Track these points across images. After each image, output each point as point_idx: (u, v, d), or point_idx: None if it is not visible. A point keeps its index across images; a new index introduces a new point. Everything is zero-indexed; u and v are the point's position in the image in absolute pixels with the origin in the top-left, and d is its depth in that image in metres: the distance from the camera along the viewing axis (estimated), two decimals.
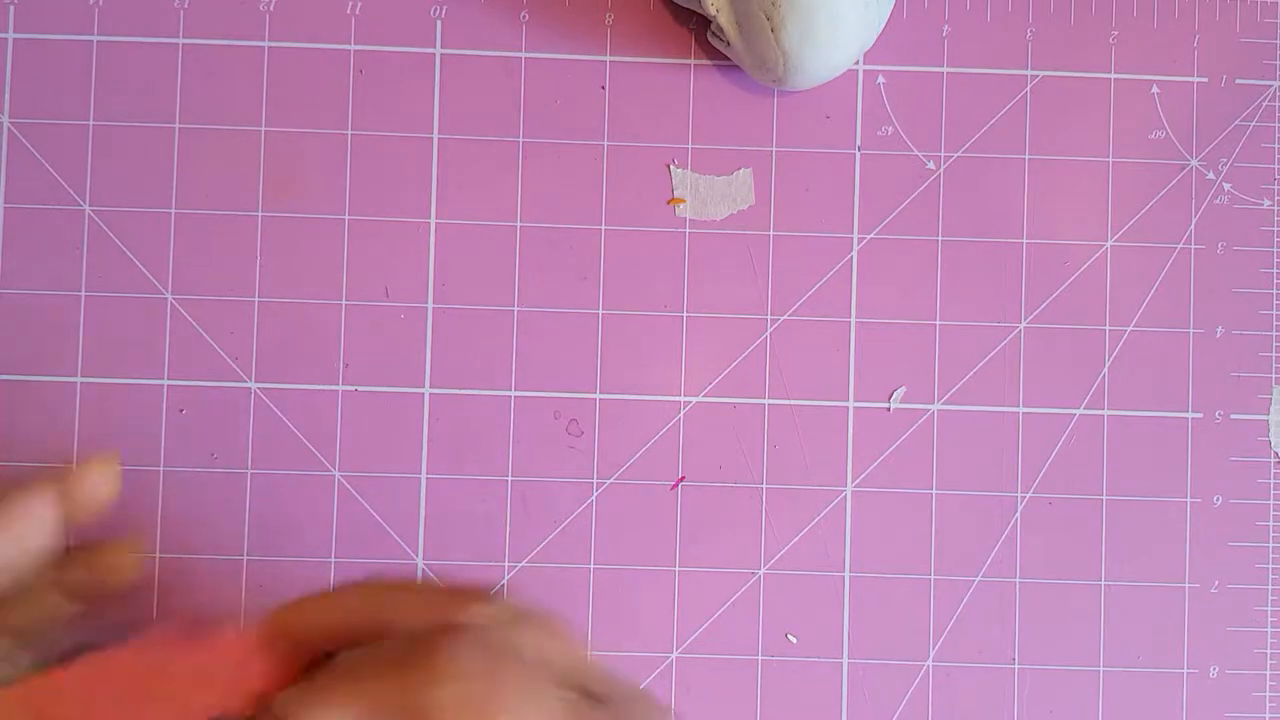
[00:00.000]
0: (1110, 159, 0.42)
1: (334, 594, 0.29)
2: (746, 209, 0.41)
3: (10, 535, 0.31)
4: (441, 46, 0.41)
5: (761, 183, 0.41)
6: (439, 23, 0.41)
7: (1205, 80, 0.42)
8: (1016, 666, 0.41)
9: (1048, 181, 0.42)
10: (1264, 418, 0.42)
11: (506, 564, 0.40)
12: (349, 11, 0.41)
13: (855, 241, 0.42)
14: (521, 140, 0.41)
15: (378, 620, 0.28)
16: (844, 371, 0.41)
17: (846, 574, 0.41)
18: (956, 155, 0.42)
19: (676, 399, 0.41)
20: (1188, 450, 0.42)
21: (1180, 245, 0.42)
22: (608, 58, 0.41)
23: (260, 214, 0.40)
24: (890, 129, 0.42)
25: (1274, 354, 0.42)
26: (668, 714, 0.29)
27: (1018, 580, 0.41)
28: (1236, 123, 0.42)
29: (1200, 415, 0.42)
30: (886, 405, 0.41)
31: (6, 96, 0.40)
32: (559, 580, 0.40)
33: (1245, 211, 0.42)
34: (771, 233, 0.41)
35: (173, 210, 0.40)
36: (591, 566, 0.40)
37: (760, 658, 0.41)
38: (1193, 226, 0.42)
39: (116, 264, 0.40)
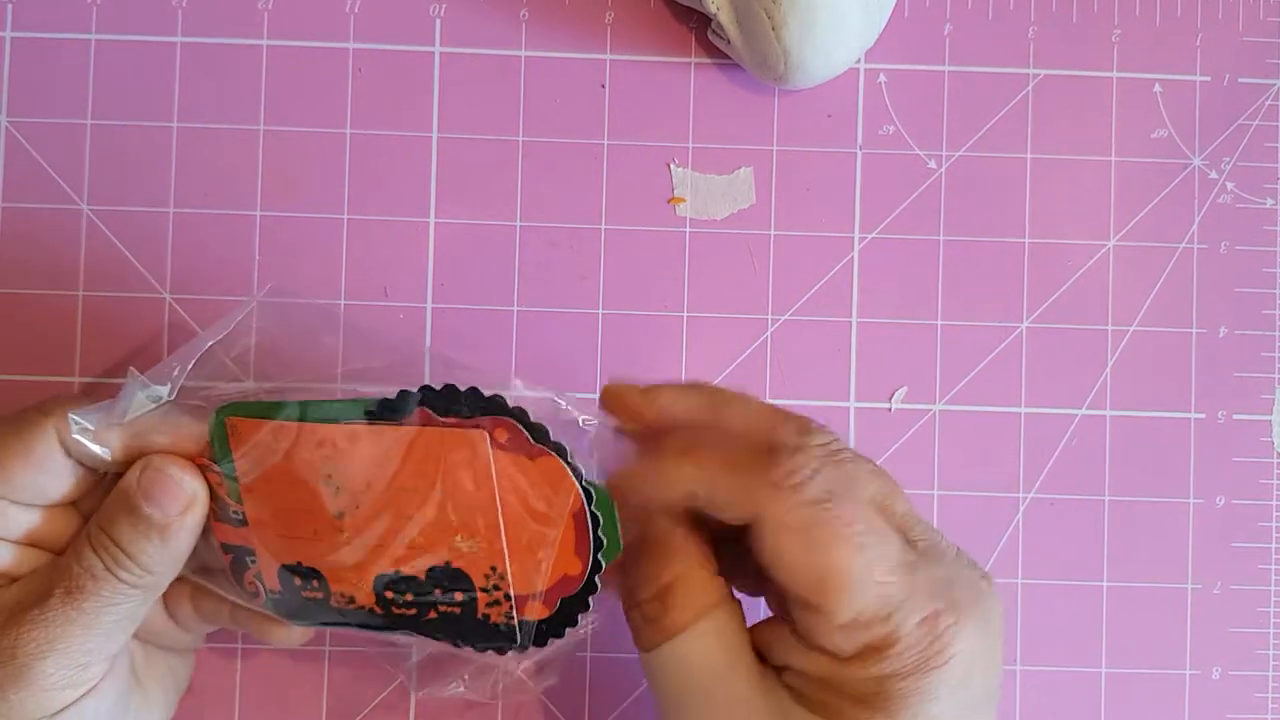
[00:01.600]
0: (1112, 158, 0.42)
1: (682, 386, 0.31)
2: (747, 208, 0.41)
3: None
4: (441, 45, 0.41)
5: (762, 182, 0.41)
6: (438, 22, 0.41)
7: (1208, 79, 0.42)
8: (1018, 667, 0.41)
9: (1049, 181, 0.42)
10: (1267, 418, 0.42)
11: None
12: (348, 10, 0.41)
13: (856, 241, 0.41)
14: (521, 140, 0.41)
15: (716, 419, 0.31)
16: (845, 371, 0.41)
17: None
18: (958, 154, 0.42)
19: None
20: (1190, 450, 0.42)
21: (1183, 245, 0.42)
22: (608, 56, 0.41)
23: (260, 214, 0.40)
24: (891, 128, 0.42)
25: (1277, 354, 0.42)
26: (988, 579, 0.30)
27: (1019, 580, 0.41)
28: (1239, 122, 0.42)
29: (1203, 415, 0.42)
30: (888, 405, 0.41)
31: (5, 96, 0.40)
32: None
33: (1248, 211, 0.42)
34: (772, 232, 0.41)
35: (171, 210, 0.40)
36: None
37: None
38: (1195, 226, 0.42)
39: (116, 264, 0.40)
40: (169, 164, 0.40)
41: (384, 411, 0.31)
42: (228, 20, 0.40)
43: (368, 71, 0.41)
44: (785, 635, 0.30)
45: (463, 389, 0.30)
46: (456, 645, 0.34)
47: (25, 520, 0.32)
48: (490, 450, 0.30)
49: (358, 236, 0.40)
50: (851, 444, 0.41)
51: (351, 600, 0.33)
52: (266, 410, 0.31)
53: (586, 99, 0.41)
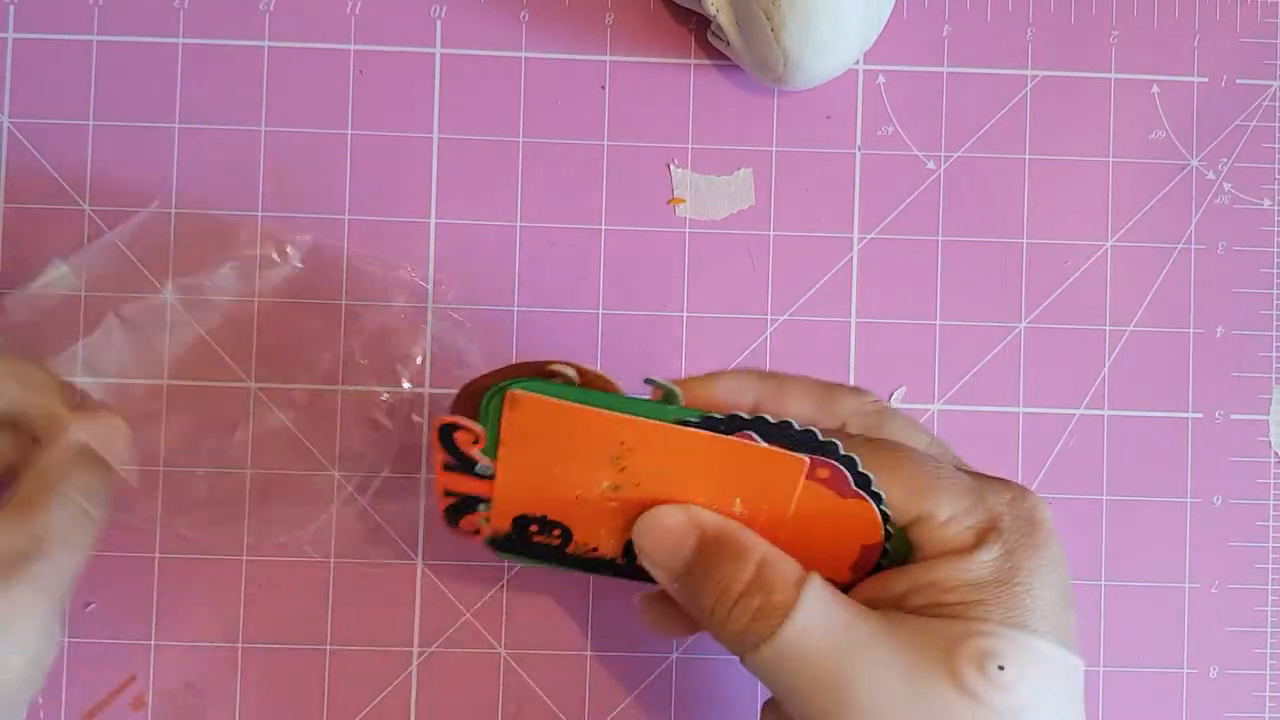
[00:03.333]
0: (1110, 159, 0.42)
1: (737, 372, 0.33)
2: (746, 209, 0.41)
3: None
4: (441, 46, 0.41)
5: (761, 182, 0.41)
6: (439, 23, 0.41)
7: (1206, 80, 0.42)
8: None
9: (1048, 181, 0.42)
10: (1264, 418, 0.42)
11: (507, 574, 0.40)
12: (349, 11, 0.41)
13: (855, 241, 0.42)
14: (521, 140, 0.41)
15: (773, 398, 0.33)
16: (844, 371, 0.41)
17: None
18: (956, 155, 0.42)
19: None
20: (1188, 450, 0.42)
21: (1180, 245, 0.42)
22: (608, 58, 0.41)
23: (260, 214, 0.40)
24: (890, 129, 0.42)
25: (1274, 354, 0.42)
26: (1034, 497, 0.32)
27: None
28: (1237, 122, 0.42)
29: (1200, 415, 0.42)
30: None
31: (6, 96, 0.40)
32: (559, 583, 0.40)
33: (1246, 211, 0.42)
34: (771, 233, 0.41)
35: (172, 210, 0.40)
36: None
37: None
38: (1193, 226, 0.42)
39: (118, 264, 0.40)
40: (170, 165, 0.40)
41: (706, 425, 0.31)
42: (229, 21, 0.41)
43: (369, 72, 0.41)
44: (895, 572, 0.31)
45: (799, 428, 0.31)
46: None
47: None
48: (803, 478, 0.31)
49: (358, 236, 0.41)
50: None
51: (594, 549, 0.34)
52: (557, 390, 0.31)
53: (586, 100, 0.41)
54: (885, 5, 0.40)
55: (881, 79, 0.42)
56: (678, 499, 0.32)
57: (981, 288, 0.42)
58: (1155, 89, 0.42)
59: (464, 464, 0.33)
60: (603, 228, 0.41)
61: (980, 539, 0.30)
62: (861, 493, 0.31)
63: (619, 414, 0.31)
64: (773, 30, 0.38)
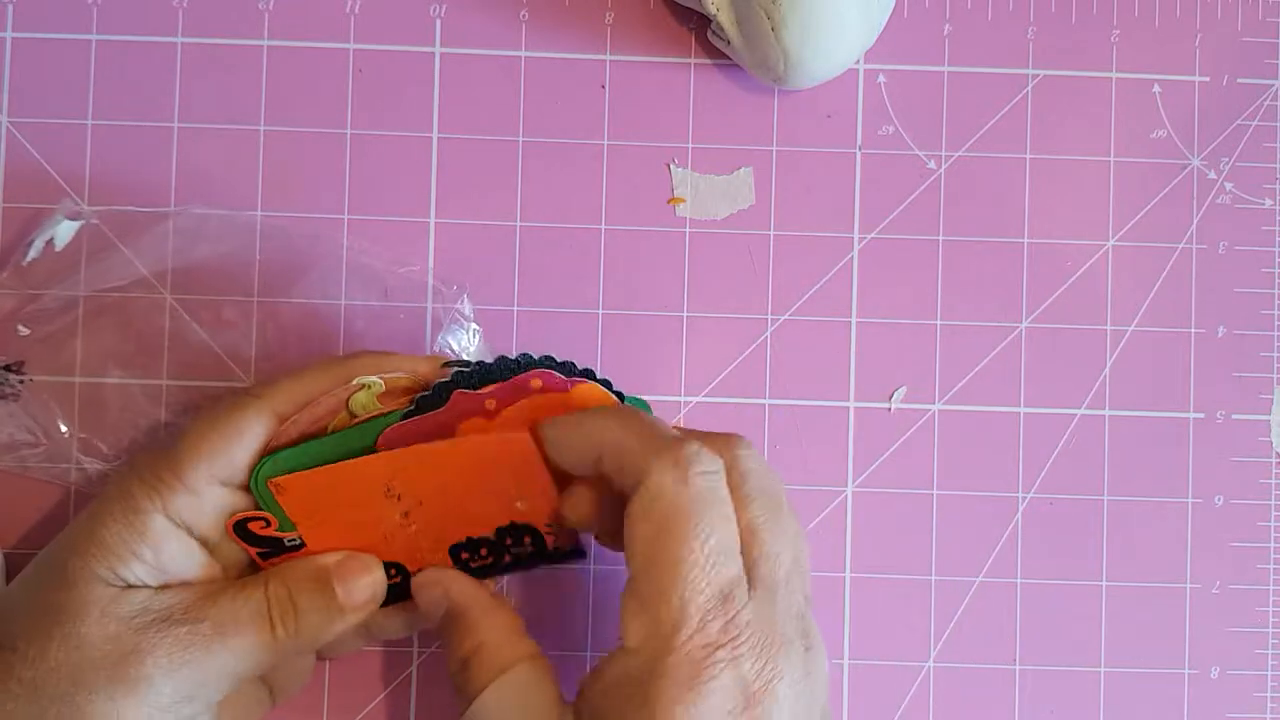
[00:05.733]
0: (1111, 158, 0.42)
1: (597, 415, 0.32)
2: (746, 208, 0.41)
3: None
4: (441, 46, 0.41)
5: (762, 182, 0.41)
6: (439, 22, 0.41)
7: (1207, 79, 0.42)
8: (1017, 667, 0.41)
9: (1049, 181, 0.42)
10: (1265, 418, 0.42)
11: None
12: (348, 11, 0.41)
13: (855, 241, 0.41)
14: (521, 140, 0.41)
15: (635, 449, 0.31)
16: (844, 371, 0.41)
17: (847, 574, 0.41)
18: (957, 155, 0.42)
19: (676, 399, 0.41)
20: (1189, 450, 0.42)
21: (1181, 245, 0.42)
22: (608, 57, 0.41)
23: (260, 214, 0.40)
24: (891, 128, 0.42)
25: (1275, 354, 0.42)
26: (815, 647, 0.31)
27: (1018, 580, 0.41)
28: (1238, 122, 0.42)
29: (1202, 415, 0.42)
30: (887, 405, 0.41)
31: (5, 96, 0.40)
32: (559, 582, 0.40)
33: (1247, 211, 0.42)
34: (772, 232, 0.41)
35: (172, 210, 0.40)
36: (591, 567, 0.40)
37: None
38: (1194, 226, 0.42)
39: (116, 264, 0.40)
40: (169, 164, 0.40)
41: (422, 408, 0.33)
42: (228, 20, 0.40)
43: (368, 72, 0.41)
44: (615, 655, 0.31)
45: (491, 360, 0.33)
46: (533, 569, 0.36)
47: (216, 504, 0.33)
48: (531, 444, 0.33)
49: (358, 236, 0.40)
50: (851, 444, 0.41)
51: None
52: (304, 456, 0.33)
53: (586, 99, 0.41)
54: (886, 4, 0.40)
55: (882, 78, 0.42)
56: (462, 505, 0.34)
57: (982, 288, 0.42)
58: (1156, 88, 0.42)
59: (274, 546, 0.34)
60: (603, 227, 0.41)
61: (650, 647, 0.29)
62: (577, 377, 0.33)
63: (368, 458, 0.33)
64: (773, 29, 0.38)
